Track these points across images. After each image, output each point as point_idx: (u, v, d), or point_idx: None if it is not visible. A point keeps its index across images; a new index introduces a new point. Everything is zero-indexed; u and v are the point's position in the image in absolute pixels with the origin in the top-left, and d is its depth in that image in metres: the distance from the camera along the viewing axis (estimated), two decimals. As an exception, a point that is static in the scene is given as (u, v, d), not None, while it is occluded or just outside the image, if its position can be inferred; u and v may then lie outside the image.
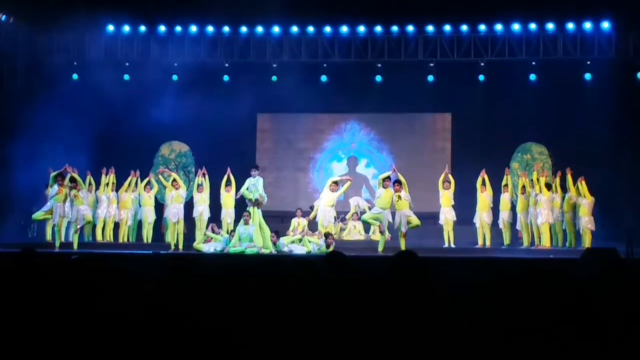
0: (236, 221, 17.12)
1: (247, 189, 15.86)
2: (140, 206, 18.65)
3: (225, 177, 17.63)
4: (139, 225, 18.87)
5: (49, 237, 17.62)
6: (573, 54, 19.90)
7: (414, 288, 4.40)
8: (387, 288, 4.43)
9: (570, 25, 19.71)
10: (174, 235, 17.09)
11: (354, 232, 18.78)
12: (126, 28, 20.84)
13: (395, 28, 20.35)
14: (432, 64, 20.62)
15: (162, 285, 4.65)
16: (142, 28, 20.85)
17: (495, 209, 17.99)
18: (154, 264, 10.59)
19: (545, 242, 17.16)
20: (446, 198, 17.59)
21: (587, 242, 16.74)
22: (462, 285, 4.41)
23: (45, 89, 20.23)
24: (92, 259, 4.85)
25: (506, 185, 18.02)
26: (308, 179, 22.25)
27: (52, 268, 5.23)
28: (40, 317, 4.29)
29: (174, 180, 17.38)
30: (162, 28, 20.81)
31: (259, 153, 22.16)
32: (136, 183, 18.71)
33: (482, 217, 17.77)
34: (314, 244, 16.09)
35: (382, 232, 15.66)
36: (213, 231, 16.86)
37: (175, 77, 21.17)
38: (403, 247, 14.76)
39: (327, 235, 15.99)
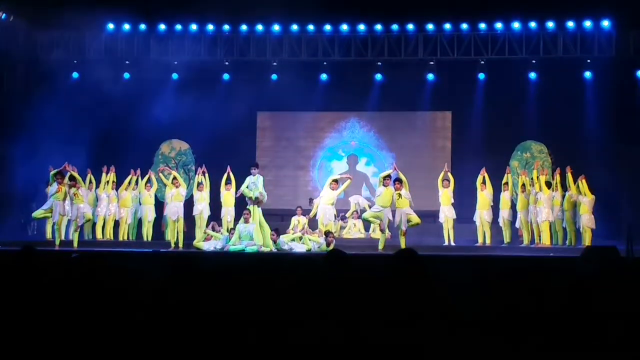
0: (236, 219, 17.11)
1: (247, 187, 15.85)
2: (140, 204, 18.66)
3: (225, 175, 17.62)
4: (139, 223, 18.88)
5: (49, 235, 17.62)
6: (573, 52, 19.87)
7: (414, 286, 4.40)
8: (387, 286, 4.43)
9: (571, 24, 19.69)
10: (173, 233, 17.09)
11: (354, 230, 18.78)
12: (126, 26, 20.83)
13: (395, 26, 20.32)
14: (432, 62, 20.60)
15: (162, 284, 4.65)
16: (142, 26, 20.83)
17: (495, 207, 18.00)
18: (154, 262, 10.59)
19: (545, 241, 17.17)
20: (446, 196, 17.60)
21: (587, 240, 16.74)
22: (462, 284, 4.41)
23: (45, 87, 20.24)
24: (92, 257, 4.85)
25: (506, 183, 18.03)
26: (308, 177, 22.25)
27: (52, 266, 5.23)
28: (39, 316, 4.29)
29: (174, 178, 17.37)
30: (162, 26, 20.78)
31: (259, 151, 22.15)
32: (137, 181, 18.72)
33: (482, 215, 17.77)
34: (314, 242, 16.08)
35: (382, 230, 15.66)
36: (213, 229, 16.85)
37: (175, 76, 21.17)
38: (403, 245, 14.76)
39: (327, 233, 15.98)
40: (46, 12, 19.05)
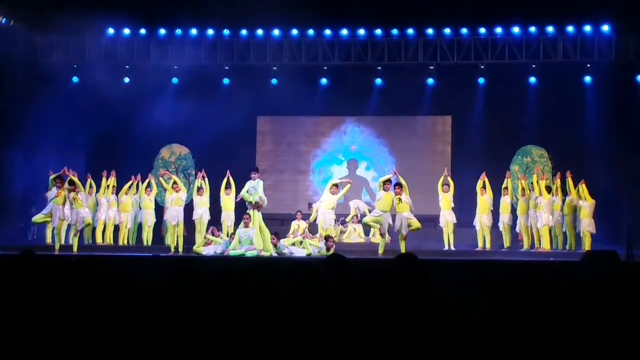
0: (236, 224, 17.10)
1: (247, 191, 15.85)
2: (140, 209, 18.66)
3: (225, 180, 17.63)
4: (139, 228, 18.88)
5: (49, 239, 17.61)
6: (573, 56, 19.90)
7: (414, 291, 4.40)
8: (387, 290, 4.43)
9: (570, 28, 19.72)
10: (173, 238, 17.09)
11: (354, 234, 18.78)
12: (126, 30, 20.86)
13: (395, 31, 20.35)
14: (432, 67, 20.62)
15: (162, 288, 4.64)
16: (142, 31, 20.86)
17: (495, 212, 18.00)
18: (154, 266, 10.59)
19: (545, 245, 17.18)
20: (446, 201, 17.60)
21: (587, 244, 16.74)
22: (462, 288, 4.41)
23: (45, 91, 20.26)
24: (92, 261, 4.85)
25: (506, 188, 18.06)
26: (308, 181, 22.26)
27: (52, 271, 5.23)
28: (39, 320, 4.29)
29: (175, 182, 17.37)
30: (162, 31, 20.82)
31: (258, 156, 22.17)
32: (137, 186, 18.73)
33: (482, 219, 17.78)
34: (314, 247, 16.08)
35: (382, 235, 15.65)
36: (213, 234, 16.84)
37: (175, 80, 21.18)
38: (403, 250, 14.75)
39: (327, 238, 15.97)
40: (46, 16, 19.06)
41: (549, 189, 17.44)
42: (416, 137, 21.89)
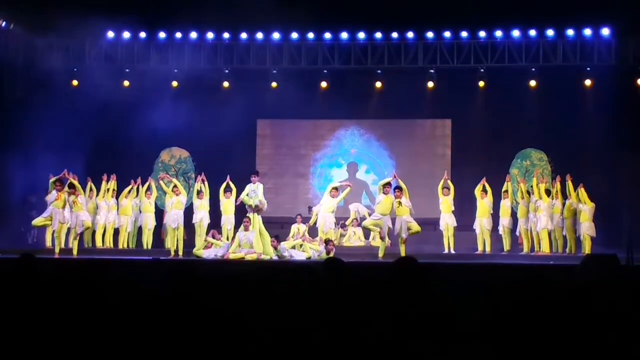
0: (236, 227, 17.11)
1: (247, 195, 15.87)
2: (140, 212, 18.66)
3: (225, 184, 17.64)
4: (139, 231, 18.88)
5: (48, 243, 17.59)
6: (573, 60, 19.89)
7: (414, 294, 4.40)
8: (387, 294, 4.43)
9: (570, 32, 19.71)
10: (173, 241, 17.09)
11: (354, 238, 18.77)
12: (126, 34, 20.84)
13: (395, 34, 20.35)
14: (432, 70, 20.60)
15: (162, 291, 4.64)
16: (142, 34, 20.85)
17: (495, 215, 18.01)
18: (154, 269, 10.58)
19: (545, 248, 17.18)
20: (446, 204, 17.60)
21: (587, 248, 16.74)
22: (462, 291, 4.41)
23: (45, 95, 20.24)
24: (92, 265, 4.85)
25: (506, 191, 18.07)
26: (308, 185, 22.25)
27: (52, 274, 5.23)
28: (39, 324, 4.29)
29: (175, 186, 17.38)
30: (162, 34, 20.81)
31: (258, 159, 22.16)
32: (137, 190, 18.73)
33: (482, 223, 17.80)
34: (314, 250, 16.08)
35: (382, 238, 15.66)
36: (213, 237, 16.84)
37: (175, 83, 21.18)
38: (403, 253, 14.75)
39: (327, 241, 15.97)
40: (46, 19, 19.06)
41: (548, 193, 17.44)
42: (416, 141, 21.89)
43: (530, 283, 4.24)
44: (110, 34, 20.87)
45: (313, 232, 17.65)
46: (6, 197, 19.71)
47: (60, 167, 17.06)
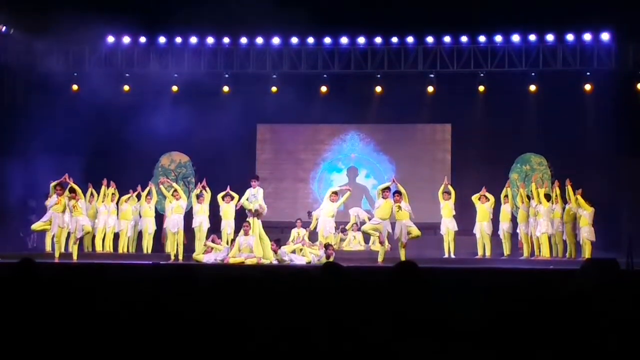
0: (236, 232, 17.10)
1: (247, 199, 15.88)
2: (140, 217, 18.65)
3: (224, 193, 17.61)
4: (139, 235, 18.87)
5: (48, 247, 17.58)
6: (573, 65, 19.92)
7: (414, 298, 4.40)
8: (387, 298, 4.43)
9: (570, 37, 19.74)
10: (173, 245, 17.10)
11: (353, 242, 18.77)
12: (126, 39, 20.86)
13: (395, 39, 20.37)
14: (431, 75, 20.62)
15: (162, 296, 4.64)
16: (142, 39, 20.87)
17: (495, 220, 18.00)
18: (154, 274, 10.57)
19: (545, 253, 17.18)
20: (447, 208, 17.59)
21: (587, 252, 16.72)
22: (462, 295, 4.41)
23: (45, 100, 20.26)
24: (92, 269, 4.85)
25: (506, 196, 18.08)
26: (308, 189, 22.25)
27: (51, 279, 5.23)
28: (39, 328, 4.28)
29: (175, 190, 17.39)
30: (162, 39, 20.83)
31: (258, 164, 22.17)
32: (137, 196, 18.69)
33: (482, 227, 17.79)
34: (313, 255, 16.08)
35: (381, 243, 15.66)
36: (213, 242, 16.84)
37: (175, 88, 21.19)
38: (403, 258, 14.75)
39: (327, 246, 15.96)
40: (46, 24, 19.06)
41: (548, 197, 17.45)
42: (416, 145, 21.90)
43: (530, 287, 4.24)
44: (110, 39, 20.89)
45: (313, 236, 17.64)
46: (6, 201, 19.71)
47: (60, 172, 17.06)
